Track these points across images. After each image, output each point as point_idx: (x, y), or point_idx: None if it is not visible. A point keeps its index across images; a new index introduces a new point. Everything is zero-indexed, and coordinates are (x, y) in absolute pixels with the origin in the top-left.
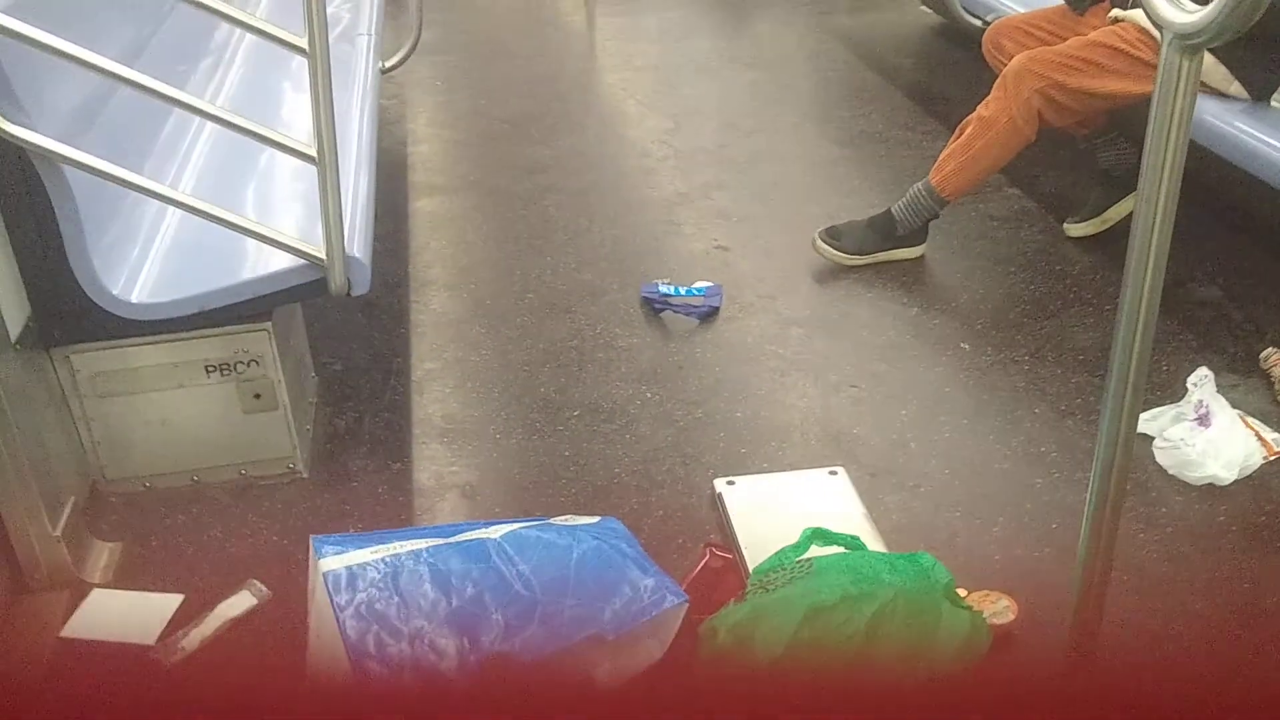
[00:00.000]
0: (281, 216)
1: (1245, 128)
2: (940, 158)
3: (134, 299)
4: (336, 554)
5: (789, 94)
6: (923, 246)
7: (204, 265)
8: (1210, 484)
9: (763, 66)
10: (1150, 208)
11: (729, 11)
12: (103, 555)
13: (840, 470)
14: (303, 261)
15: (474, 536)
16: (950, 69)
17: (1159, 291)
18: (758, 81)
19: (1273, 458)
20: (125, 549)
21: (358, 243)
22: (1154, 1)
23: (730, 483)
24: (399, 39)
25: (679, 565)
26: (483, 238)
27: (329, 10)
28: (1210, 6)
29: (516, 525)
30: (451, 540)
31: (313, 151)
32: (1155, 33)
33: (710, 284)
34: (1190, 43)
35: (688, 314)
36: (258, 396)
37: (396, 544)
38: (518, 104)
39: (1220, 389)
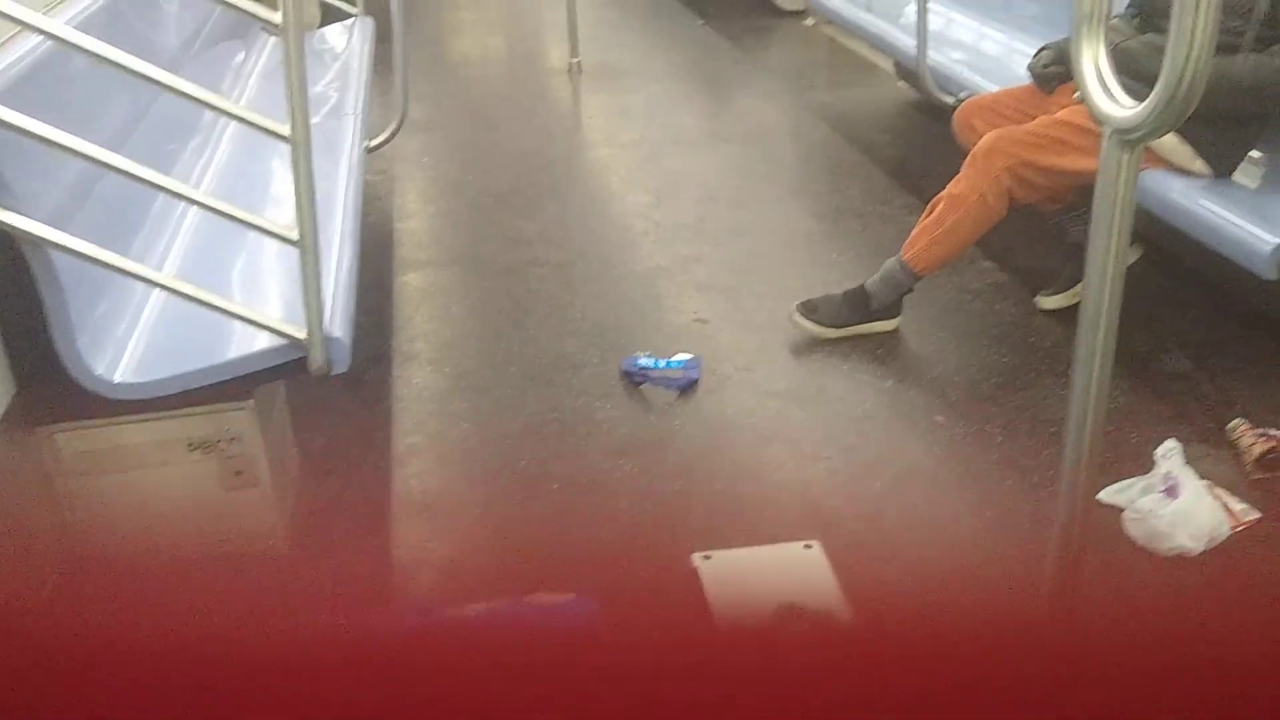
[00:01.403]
0: (267, 291)
1: (1207, 204)
2: (913, 234)
3: (118, 379)
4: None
5: (769, 169)
6: (897, 320)
7: (188, 344)
8: (1179, 555)
9: (743, 142)
10: (1098, 290)
11: (711, 88)
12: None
13: (815, 544)
14: (284, 341)
15: (448, 617)
16: (927, 144)
17: (1110, 366)
18: (738, 156)
19: (1240, 528)
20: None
21: (339, 322)
22: (1093, 99)
23: (707, 557)
24: (387, 116)
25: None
26: (466, 311)
27: (317, 89)
28: (1145, 104)
29: (489, 606)
30: (425, 620)
31: (295, 235)
32: None
33: (689, 356)
34: (1128, 137)
35: (667, 386)
36: (239, 473)
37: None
38: (503, 178)
39: (1190, 459)
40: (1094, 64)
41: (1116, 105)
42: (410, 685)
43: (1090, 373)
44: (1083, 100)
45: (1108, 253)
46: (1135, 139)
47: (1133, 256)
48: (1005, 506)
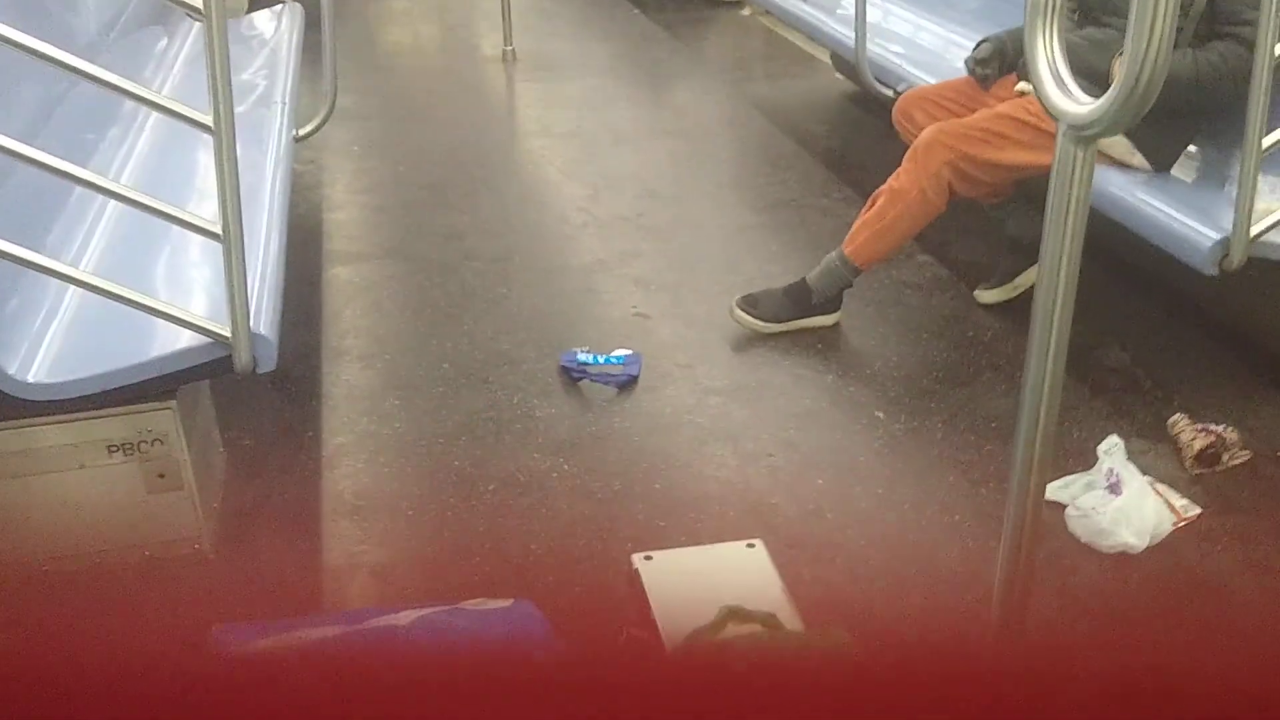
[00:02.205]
0: (191, 288)
1: (1147, 198)
2: (853, 228)
3: (31, 379)
4: (238, 648)
5: (707, 161)
6: (838, 314)
7: (106, 342)
8: (1122, 552)
9: (681, 134)
10: (1051, 286)
11: (648, 78)
12: None
13: (758, 543)
14: (208, 339)
15: (382, 624)
16: (865, 135)
17: (1062, 365)
18: (676, 149)
19: (1182, 524)
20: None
21: (264, 319)
22: (1048, 94)
23: (647, 558)
24: (316, 104)
25: (595, 644)
26: (399, 306)
27: (244, 76)
28: (1102, 100)
29: (425, 612)
30: (358, 628)
31: (218, 229)
32: None
33: (629, 352)
34: (1084, 134)
35: (606, 383)
36: (162, 476)
37: (301, 633)
38: (436, 170)
39: (1130, 455)
40: (1048, 58)
41: (1072, 101)
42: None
43: (1043, 372)
44: (1024, 94)
45: (1061, 250)
46: (1091, 135)
47: None
48: (947, 503)
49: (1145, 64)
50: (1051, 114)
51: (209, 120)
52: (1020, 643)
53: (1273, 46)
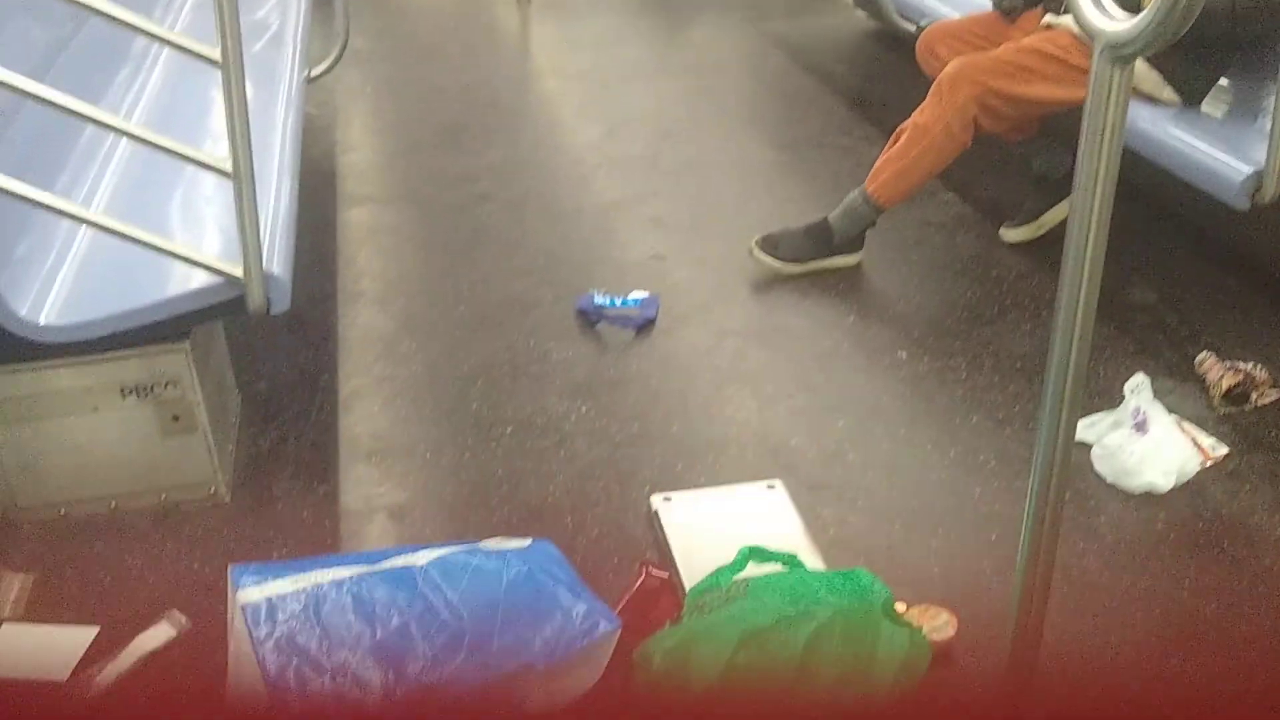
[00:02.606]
0: (204, 228)
1: (1177, 133)
2: (876, 165)
3: (42, 321)
4: (256, 584)
5: (724, 100)
6: (860, 254)
7: (118, 283)
8: (1148, 491)
9: (697, 72)
10: (1084, 217)
11: (663, 18)
12: (14, 587)
13: (778, 484)
14: (221, 279)
15: (400, 564)
16: (885, 73)
17: (1095, 302)
18: (692, 88)
19: (1209, 463)
20: (38, 580)
21: (277, 259)
22: (1084, 12)
23: (666, 499)
24: (328, 45)
25: (614, 585)
26: (413, 249)
27: (256, 16)
28: (1141, 16)
29: (444, 550)
30: (377, 568)
31: (228, 166)
32: (1088, 39)
33: (646, 294)
34: (1121, 53)
35: (623, 325)
36: (176, 419)
37: (319, 573)
38: (450, 111)
39: (1156, 394)
40: None
41: (1109, 18)
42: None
43: (1075, 305)
44: (1051, 27)
45: (1096, 177)
46: (1129, 54)
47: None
48: (970, 444)
49: None
50: (1087, 31)
51: (216, 54)
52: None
53: None
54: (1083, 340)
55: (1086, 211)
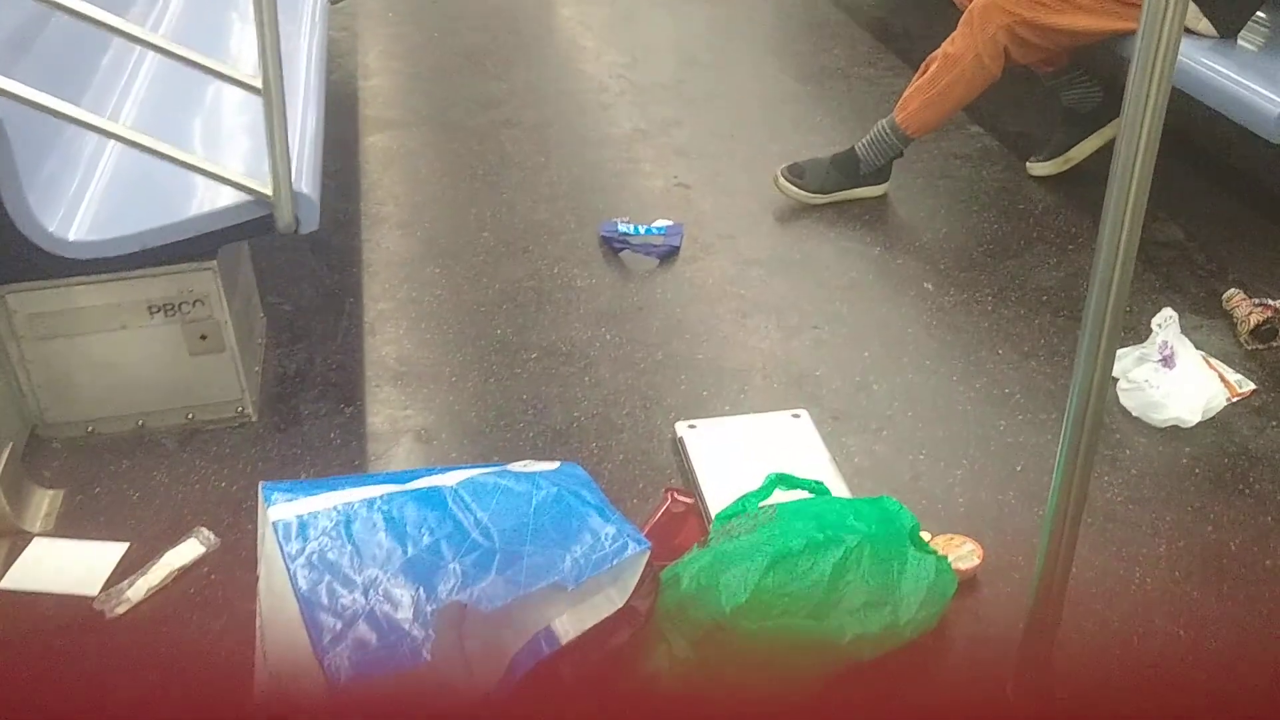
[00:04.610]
0: (228, 150)
1: (1212, 65)
2: (904, 95)
3: (71, 237)
4: (287, 501)
5: (748, 28)
6: (886, 185)
7: (146, 201)
8: (1174, 426)
9: (721, 0)
10: (1131, 147)
11: None
12: (44, 503)
13: (803, 413)
14: (249, 198)
15: (430, 484)
16: (912, 3)
17: (1138, 234)
18: (716, 15)
19: (1235, 399)
20: (67, 496)
21: (306, 178)
22: None
23: (692, 426)
24: None
25: (640, 510)
26: (437, 174)
27: None
28: None
29: (473, 471)
30: (406, 487)
31: (258, 83)
32: None
33: (670, 223)
34: None
35: (647, 253)
36: (204, 338)
37: (349, 491)
38: (472, 37)
39: (1183, 330)
40: None
41: None
42: None
43: (1118, 240)
44: None
45: (1145, 107)
46: None
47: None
48: (996, 376)
49: None
50: None
51: None
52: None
53: None
54: (1124, 273)
55: (1134, 140)
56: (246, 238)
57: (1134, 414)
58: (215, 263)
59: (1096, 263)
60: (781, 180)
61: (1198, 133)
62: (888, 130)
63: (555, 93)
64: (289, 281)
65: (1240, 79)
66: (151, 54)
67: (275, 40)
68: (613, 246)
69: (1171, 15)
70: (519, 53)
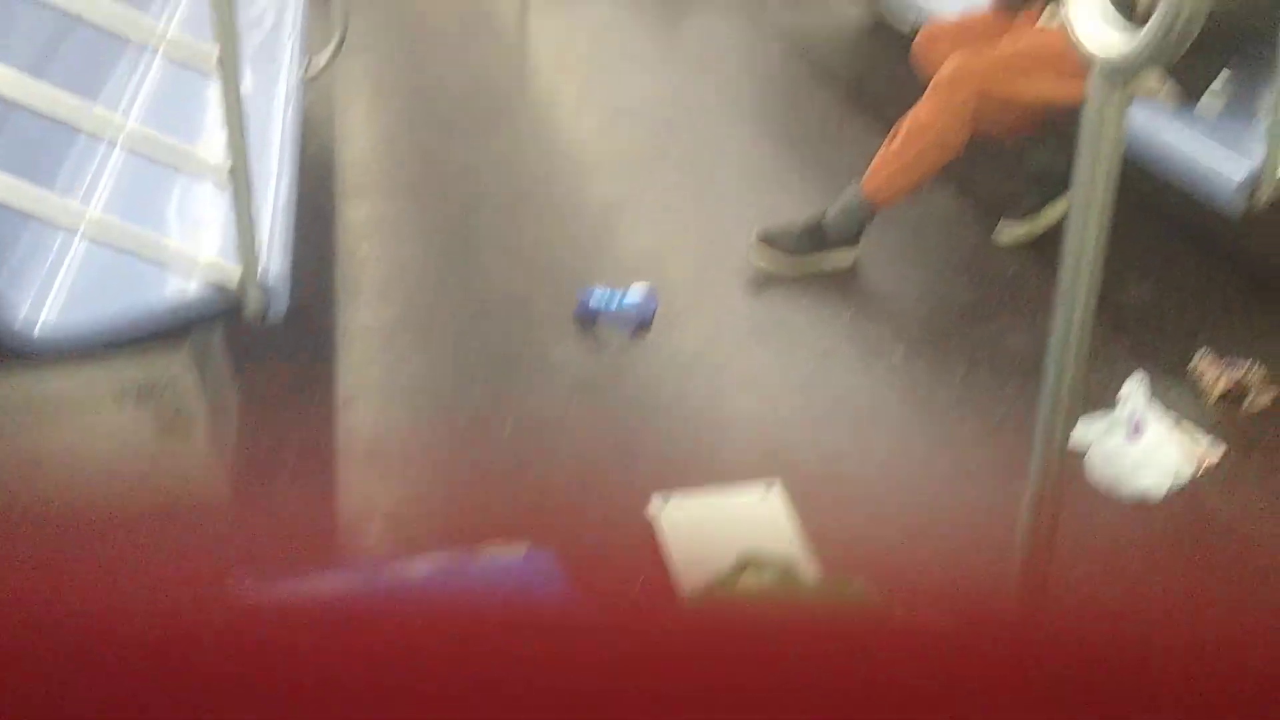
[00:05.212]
0: (204, 227)
1: (1173, 133)
2: (873, 164)
3: (38, 332)
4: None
5: (724, 92)
6: (856, 250)
7: (115, 288)
8: (1144, 496)
9: (696, 63)
10: (1081, 237)
11: (662, 7)
12: None
13: (776, 484)
14: (218, 284)
15: (396, 576)
16: (883, 66)
17: (1090, 318)
18: (691, 79)
19: (1205, 466)
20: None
21: (274, 264)
22: (1081, 32)
23: (665, 500)
24: (328, 38)
25: (611, 586)
26: (413, 244)
27: (253, 12)
28: (1139, 37)
29: (439, 563)
30: (370, 581)
31: (226, 171)
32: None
33: (644, 291)
34: (1119, 74)
35: (623, 320)
36: (174, 422)
37: (314, 587)
38: (450, 103)
39: (1154, 392)
40: None
41: (1107, 37)
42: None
43: (1069, 324)
44: (1050, 26)
45: (1092, 200)
46: (1126, 75)
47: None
48: (968, 446)
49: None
50: (1083, 51)
51: (214, 55)
52: (1043, 597)
53: None
54: (1079, 354)
55: (1084, 232)
56: (217, 323)
57: (1105, 485)
58: (187, 345)
59: (1052, 340)
60: (754, 247)
61: (1166, 193)
62: (857, 199)
63: (533, 158)
64: (261, 356)
65: (1199, 148)
66: (136, 112)
67: (242, 129)
68: (588, 314)
69: (1114, 109)
70: (497, 118)
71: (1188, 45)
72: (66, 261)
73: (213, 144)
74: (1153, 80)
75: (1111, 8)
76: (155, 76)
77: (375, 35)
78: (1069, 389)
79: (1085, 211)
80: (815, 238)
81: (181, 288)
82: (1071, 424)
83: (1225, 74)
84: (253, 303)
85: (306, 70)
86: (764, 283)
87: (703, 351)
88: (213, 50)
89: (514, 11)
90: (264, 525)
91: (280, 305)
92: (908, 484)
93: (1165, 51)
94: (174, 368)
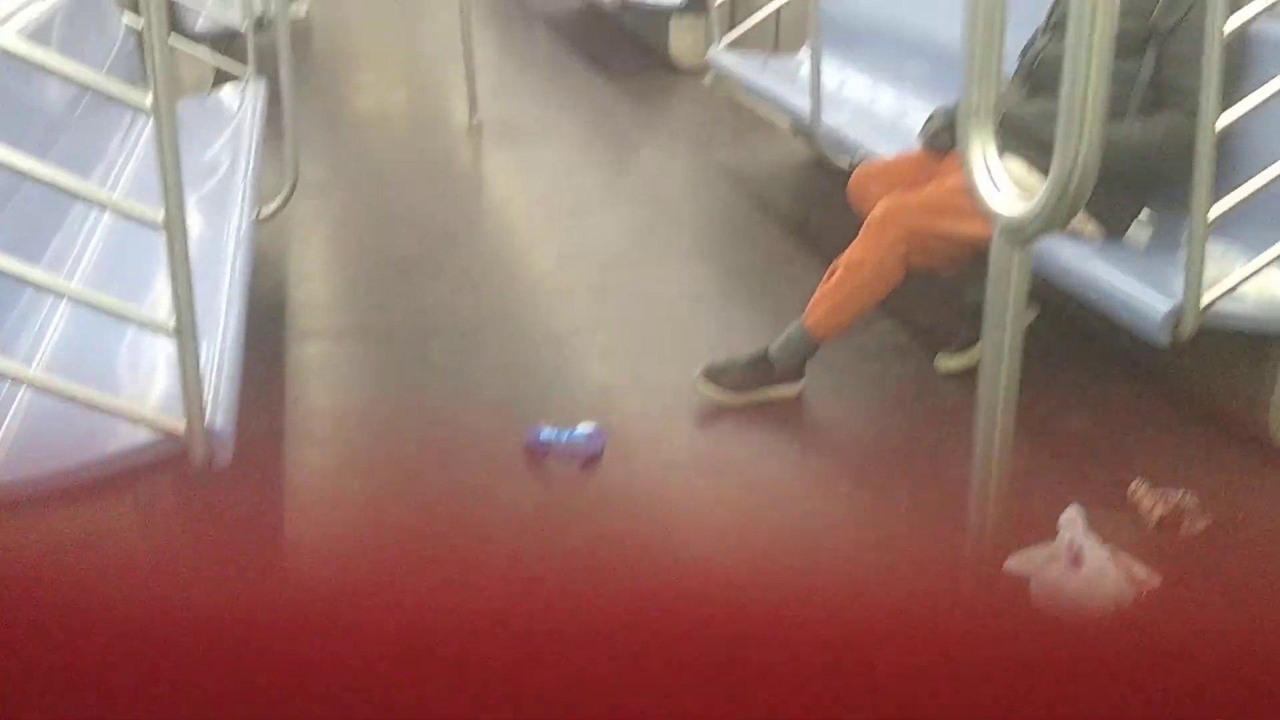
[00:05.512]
0: (154, 371)
1: (1099, 268)
2: (813, 300)
3: None
4: None
5: (671, 228)
6: (801, 383)
7: (62, 438)
8: (1086, 624)
9: (645, 201)
10: (992, 387)
11: (612, 148)
12: None
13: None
14: (164, 434)
15: None
16: (826, 200)
17: (1007, 466)
18: (641, 216)
19: (1143, 594)
20: None
21: (221, 413)
22: (982, 195)
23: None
24: (282, 180)
25: None
26: (363, 384)
27: (209, 154)
28: (1036, 200)
29: None
30: None
31: (172, 325)
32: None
33: (592, 428)
34: (1019, 236)
35: (570, 460)
36: (121, 568)
37: None
38: (403, 243)
39: (1092, 522)
40: (983, 159)
41: (1006, 202)
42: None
43: (988, 469)
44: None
45: (1001, 350)
46: (1027, 237)
47: (1028, 317)
48: (916, 580)
49: (1074, 167)
50: (985, 216)
51: (160, 217)
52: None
53: (1215, 117)
54: (999, 485)
55: (995, 382)
56: (162, 472)
57: (1046, 614)
58: (133, 492)
59: (973, 485)
60: (700, 382)
61: (1100, 322)
62: (799, 334)
63: (484, 296)
64: (207, 500)
65: (1124, 282)
66: (84, 269)
67: (188, 284)
68: (537, 452)
69: (1016, 269)
70: (450, 257)
71: (1084, 202)
72: (12, 411)
73: (164, 293)
74: (1077, 218)
75: (1006, 175)
76: (108, 224)
77: (330, 175)
78: (991, 526)
79: (995, 361)
80: (760, 372)
81: (128, 436)
82: (1002, 554)
83: (1151, 207)
84: (198, 451)
85: (259, 214)
86: (712, 417)
87: (651, 488)
88: (158, 212)
89: (468, 151)
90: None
91: (226, 452)
92: (858, 621)
93: (1060, 215)
94: (122, 516)
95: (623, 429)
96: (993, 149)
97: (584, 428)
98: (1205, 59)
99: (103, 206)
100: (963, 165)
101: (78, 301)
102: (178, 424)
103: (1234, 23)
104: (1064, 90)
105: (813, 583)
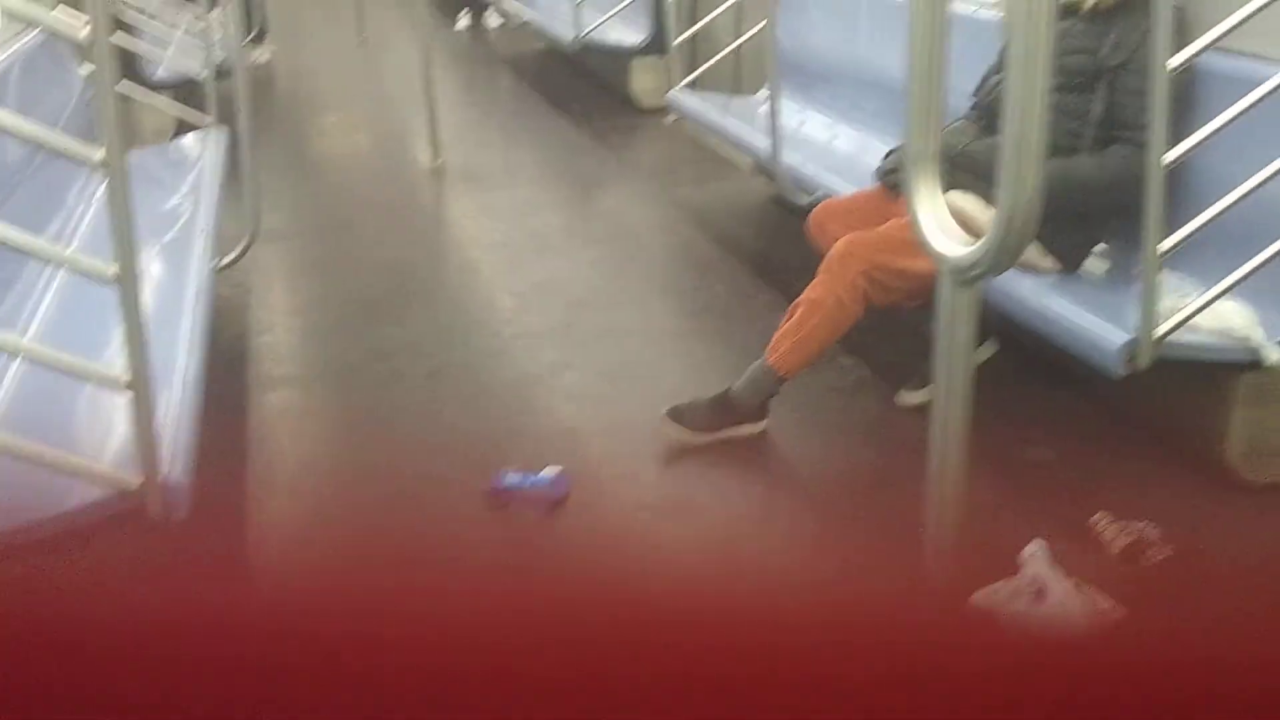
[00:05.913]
0: (112, 422)
1: (1055, 301)
2: (775, 337)
3: None
4: None
5: (635, 268)
6: (764, 422)
7: (20, 493)
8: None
9: (609, 241)
10: (944, 425)
11: (575, 188)
12: None
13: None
14: (121, 489)
15: None
16: (788, 237)
17: (962, 501)
18: (604, 256)
19: (1107, 624)
20: None
21: (178, 466)
22: (927, 238)
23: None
24: (243, 228)
25: None
26: (326, 431)
27: (170, 204)
28: (980, 243)
29: None
30: None
31: (127, 379)
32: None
33: (557, 470)
34: (965, 277)
35: (535, 503)
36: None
37: None
38: (366, 287)
39: (1056, 555)
40: (929, 203)
41: (952, 245)
42: None
43: (944, 504)
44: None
45: (953, 386)
46: (972, 277)
47: (988, 351)
48: (884, 615)
49: (1016, 210)
50: (932, 259)
51: (113, 272)
52: None
53: (1164, 151)
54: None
55: (947, 419)
56: (119, 526)
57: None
58: (92, 545)
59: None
60: (664, 422)
61: (1060, 355)
62: (761, 372)
63: (448, 340)
64: (169, 555)
65: (1080, 315)
66: (40, 324)
67: (142, 339)
68: (500, 497)
69: (963, 310)
70: (414, 301)
71: (1029, 243)
72: None
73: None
74: (1033, 253)
75: (963, 210)
76: (64, 278)
77: (293, 221)
78: (949, 559)
79: (948, 398)
80: (724, 411)
81: (84, 492)
82: (967, 587)
83: (1107, 240)
84: (155, 504)
85: (220, 262)
86: (676, 457)
87: (615, 530)
88: (111, 267)
89: (431, 194)
90: None
91: (183, 505)
92: (826, 661)
93: (1004, 258)
94: (78, 571)
95: (588, 471)
96: (937, 192)
97: (548, 472)
98: (1152, 94)
99: (55, 263)
100: (908, 209)
101: (32, 360)
102: (133, 478)
103: (1180, 58)
104: (1004, 135)
105: (780, 621)
